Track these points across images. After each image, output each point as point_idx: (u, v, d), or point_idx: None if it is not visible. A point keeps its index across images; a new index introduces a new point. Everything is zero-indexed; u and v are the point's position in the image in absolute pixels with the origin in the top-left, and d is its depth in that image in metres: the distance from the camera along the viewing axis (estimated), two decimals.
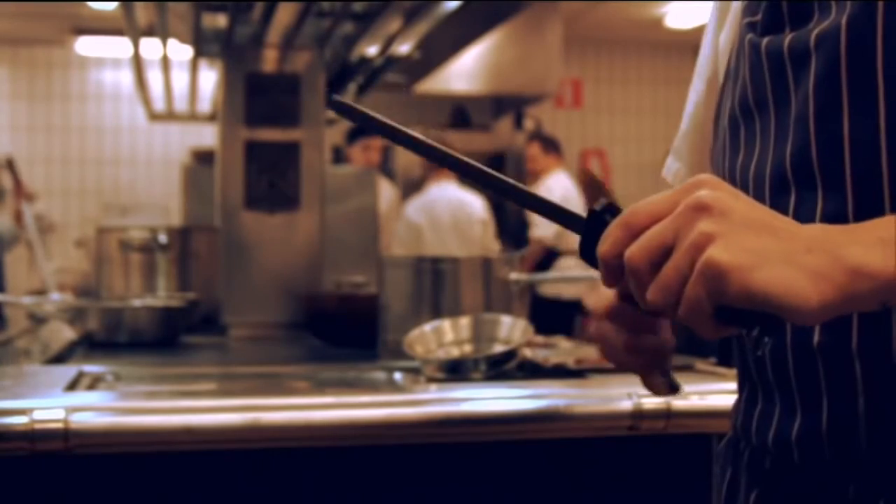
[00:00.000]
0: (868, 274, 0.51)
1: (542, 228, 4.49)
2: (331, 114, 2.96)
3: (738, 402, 0.73)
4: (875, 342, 0.61)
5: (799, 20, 0.65)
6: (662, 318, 0.66)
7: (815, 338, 0.63)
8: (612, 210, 0.59)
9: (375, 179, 2.74)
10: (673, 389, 0.68)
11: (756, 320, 0.53)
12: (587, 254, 0.59)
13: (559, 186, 4.65)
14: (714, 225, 0.52)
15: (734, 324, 0.53)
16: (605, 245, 0.56)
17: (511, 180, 0.64)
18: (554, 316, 4.12)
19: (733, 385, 0.76)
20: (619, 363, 0.66)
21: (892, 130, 0.59)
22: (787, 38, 0.65)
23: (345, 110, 0.67)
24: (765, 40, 0.67)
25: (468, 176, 0.64)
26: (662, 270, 0.53)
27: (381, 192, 4.36)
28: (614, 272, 0.57)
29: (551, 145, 4.85)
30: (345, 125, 4.18)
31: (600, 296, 0.66)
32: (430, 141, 0.65)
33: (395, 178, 4.71)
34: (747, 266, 0.51)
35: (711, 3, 0.81)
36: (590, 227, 0.59)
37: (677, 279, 0.52)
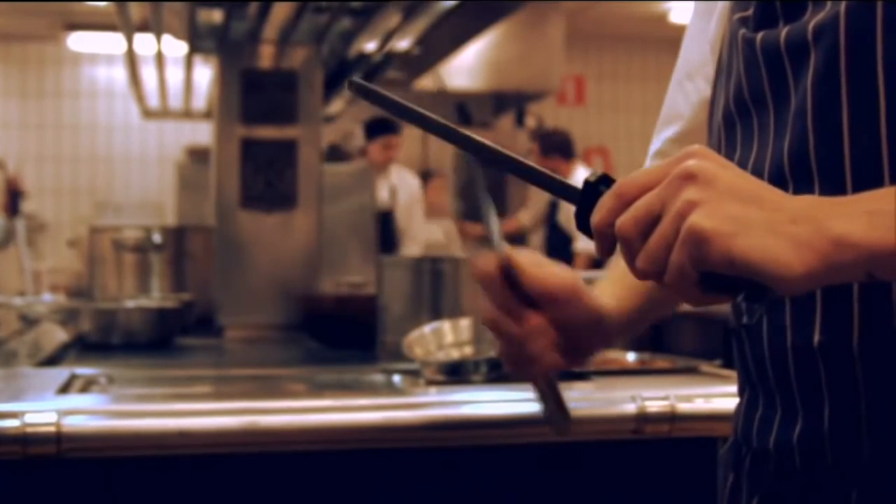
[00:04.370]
0: (852, 244, 0.51)
1: (585, 241, 4.42)
2: (328, 111, 2.94)
3: (739, 406, 0.73)
4: (877, 342, 0.60)
5: (792, 14, 0.64)
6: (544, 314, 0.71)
7: (816, 338, 0.62)
8: (607, 181, 0.60)
9: (374, 178, 2.73)
10: (555, 420, 0.73)
11: (740, 286, 0.54)
12: (582, 224, 0.61)
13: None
14: (698, 193, 0.53)
15: (719, 290, 0.55)
16: (598, 215, 0.58)
17: (508, 152, 0.65)
18: None
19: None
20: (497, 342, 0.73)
21: (893, 122, 0.59)
22: (783, 32, 0.64)
23: (367, 93, 0.68)
24: (759, 35, 0.66)
25: (474, 152, 0.66)
26: (650, 238, 0.54)
27: (404, 185, 4.32)
28: (607, 241, 0.58)
29: (553, 148, 4.52)
30: (343, 124, 4.15)
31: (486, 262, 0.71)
32: (448, 123, 0.67)
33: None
34: (729, 232, 0.51)
35: (694, 2, 0.82)
36: (585, 197, 0.60)
37: (663, 246, 0.54)
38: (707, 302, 0.55)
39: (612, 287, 0.80)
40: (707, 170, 0.53)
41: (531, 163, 0.64)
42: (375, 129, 4.15)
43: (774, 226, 0.52)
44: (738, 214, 0.52)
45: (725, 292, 0.55)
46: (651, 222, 0.54)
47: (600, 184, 0.60)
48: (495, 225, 0.72)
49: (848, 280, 0.54)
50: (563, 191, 0.62)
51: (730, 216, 0.52)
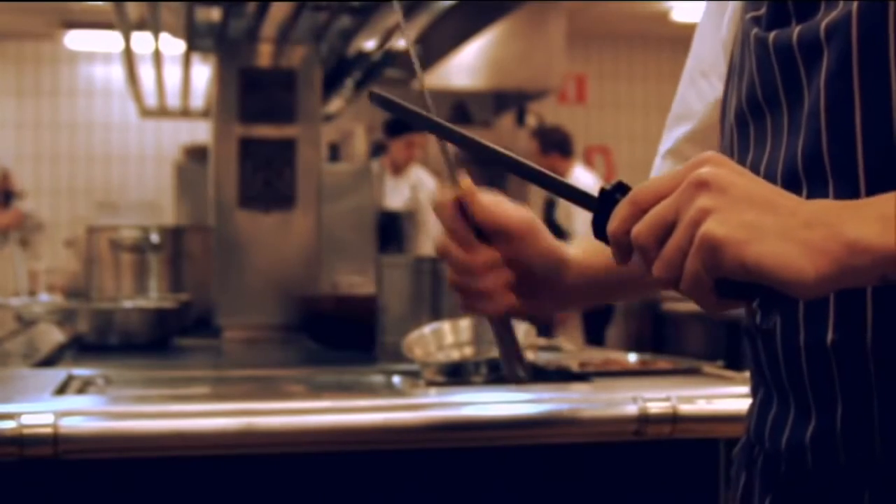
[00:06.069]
0: (865, 248, 0.51)
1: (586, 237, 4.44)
2: (327, 110, 2.94)
3: (752, 406, 0.73)
4: (891, 342, 0.60)
5: (805, 13, 0.64)
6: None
7: (829, 336, 0.62)
8: (623, 189, 0.61)
9: (373, 177, 2.72)
10: (510, 368, 0.73)
11: (755, 292, 0.55)
12: (599, 232, 0.62)
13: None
14: (712, 200, 0.54)
15: (734, 296, 0.56)
16: (613, 223, 0.59)
17: (534, 165, 0.67)
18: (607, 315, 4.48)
19: (741, 389, 0.75)
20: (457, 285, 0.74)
21: None
22: (796, 31, 0.64)
23: (389, 105, 0.69)
24: (772, 34, 0.66)
25: (504, 166, 0.67)
26: (665, 246, 0.55)
27: (423, 185, 4.28)
28: (624, 249, 0.59)
29: (553, 145, 4.52)
30: (344, 123, 4.14)
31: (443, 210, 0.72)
32: (474, 136, 0.68)
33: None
34: (742, 240, 0.52)
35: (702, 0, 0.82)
36: (601, 205, 0.62)
37: (678, 254, 0.55)
38: (723, 308, 0.56)
39: (586, 241, 0.81)
40: (721, 177, 0.54)
41: (553, 174, 0.65)
42: (398, 127, 4.11)
43: (788, 231, 0.52)
44: (751, 221, 0.53)
45: (741, 298, 0.56)
46: (666, 230, 0.55)
47: (616, 192, 0.61)
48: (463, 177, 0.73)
49: (862, 284, 0.54)
50: (579, 198, 0.64)
51: (743, 223, 0.52)
